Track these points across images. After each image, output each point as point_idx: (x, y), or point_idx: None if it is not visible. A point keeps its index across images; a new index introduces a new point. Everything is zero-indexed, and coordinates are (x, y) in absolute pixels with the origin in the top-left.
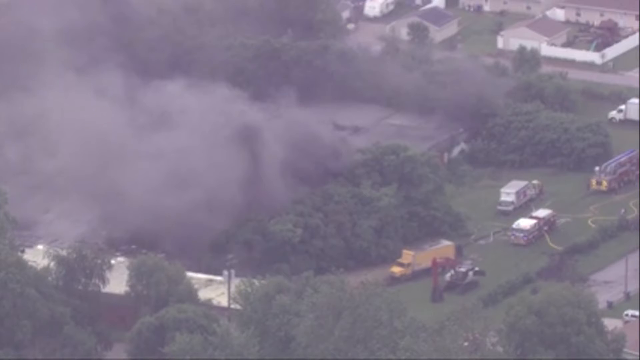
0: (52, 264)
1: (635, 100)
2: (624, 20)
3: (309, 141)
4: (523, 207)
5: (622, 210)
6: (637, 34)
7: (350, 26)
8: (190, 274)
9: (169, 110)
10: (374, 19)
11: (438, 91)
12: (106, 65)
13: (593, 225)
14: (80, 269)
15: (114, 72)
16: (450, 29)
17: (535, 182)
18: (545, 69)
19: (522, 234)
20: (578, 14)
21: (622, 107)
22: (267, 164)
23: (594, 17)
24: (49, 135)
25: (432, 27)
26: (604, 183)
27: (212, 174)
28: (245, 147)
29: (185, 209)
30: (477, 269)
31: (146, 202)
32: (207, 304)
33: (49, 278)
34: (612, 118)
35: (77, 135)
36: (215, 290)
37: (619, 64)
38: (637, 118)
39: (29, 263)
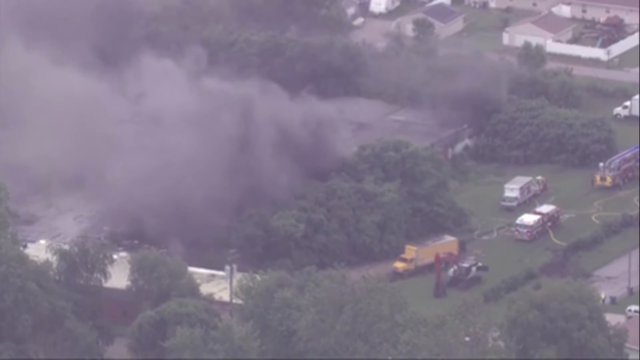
0: (53, 258)
1: None
2: (630, 17)
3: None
4: (527, 203)
5: None
6: None
7: (359, 21)
8: (192, 268)
9: (156, 98)
10: (380, 16)
11: (442, 87)
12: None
13: (597, 221)
14: (82, 263)
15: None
16: (456, 26)
17: (539, 178)
18: (551, 65)
19: (525, 230)
20: (584, 11)
21: (627, 103)
22: (259, 141)
23: (599, 14)
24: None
25: (437, 24)
26: (608, 179)
27: (208, 159)
28: (236, 122)
29: (185, 200)
30: (480, 264)
31: (141, 194)
32: (209, 298)
33: (50, 272)
34: (617, 114)
35: (63, 123)
36: (217, 285)
37: (624, 61)
38: None
39: (31, 258)
